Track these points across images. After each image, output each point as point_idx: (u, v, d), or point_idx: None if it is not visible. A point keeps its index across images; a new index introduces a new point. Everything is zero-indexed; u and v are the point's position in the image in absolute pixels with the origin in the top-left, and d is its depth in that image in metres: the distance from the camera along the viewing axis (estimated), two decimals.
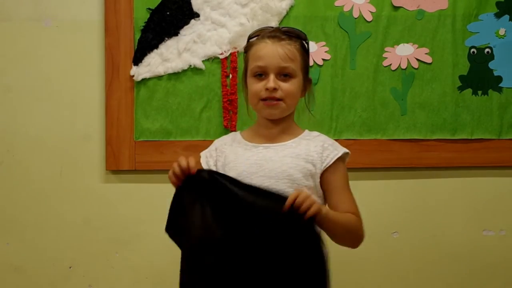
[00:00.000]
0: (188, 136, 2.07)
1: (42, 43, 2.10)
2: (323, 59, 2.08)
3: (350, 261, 2.11)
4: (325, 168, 1.48)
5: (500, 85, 2.10)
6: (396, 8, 2.09)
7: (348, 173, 2.08)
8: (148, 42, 2.07)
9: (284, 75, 1.47)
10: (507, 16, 2.09)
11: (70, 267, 2.11)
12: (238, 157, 1.50)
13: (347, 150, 1.53)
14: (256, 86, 1.47)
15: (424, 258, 2.12)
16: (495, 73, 2.10)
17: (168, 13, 2.07)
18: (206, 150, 1.59)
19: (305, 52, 1.53)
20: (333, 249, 2.10)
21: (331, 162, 1.49)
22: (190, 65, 2.07)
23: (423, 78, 2.09)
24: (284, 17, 2.07)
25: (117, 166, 2.08)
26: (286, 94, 1.47)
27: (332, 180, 1.50)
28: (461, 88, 2.09)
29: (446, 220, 2.12)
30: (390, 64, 2.09)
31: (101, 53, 2.09)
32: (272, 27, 1.55)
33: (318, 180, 1.49)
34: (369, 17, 2.08)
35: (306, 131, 1.56)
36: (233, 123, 2.07)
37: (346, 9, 2.08)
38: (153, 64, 2.07)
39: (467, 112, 2.09)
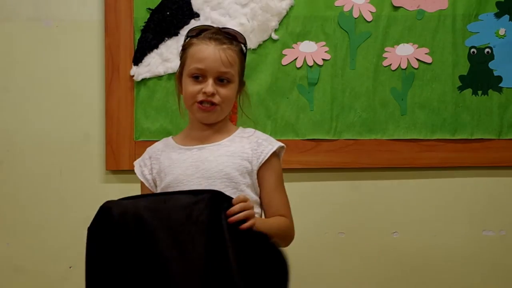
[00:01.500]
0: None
1: (42, 43, 2.10)
2: (323, 59, 2.08)
3: (350, 261, 2.11)
4: (260, 164, 1.46)
5: (500, 85, 2.10)
6: (396, 8, 2.09)
7: (348, 173, 2.10)
8: (148, 42, 2.07)
9: (221, 80, 1.45)
10: (507, 16, 2.09)
11: (70, 267, 2.11)
12: (173, 162, 1.48)
13: (282, 144, 1.50)
14: (193, 88, 1.45)
15: (424, 258, 2.11)
16: (495, 73, 2.10)
17: (168, 13, 2.07)
18: (140, 159, 1.57)
19: (243, 56, 1.51)
20: (333, 249, 2.11)
21: (266, 157, 1.46)
22: None
23: (423, 78, 2.09)
24: (284, 17, 2.07)
25: (117, 166, 2.08)
26: (223, 99, 1.45)
27: (266, 177, 1.47)
28: (461, 88, 2.09)
29: (446, 220, 2.12)
30: (390, 64, 2.09)
31: (101, 53, 2.09)
32: (213, 27, 1.51)
33: (255, 177, 1.47)
34: (369, 17, 2.08)
35: (240, 129, 1.54)
36: (233, 123, 2.07)
37: (346, 9, 2.08)
38: (153, 64, 2.07)
39: (467, 112, 2.09)
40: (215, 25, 1.59)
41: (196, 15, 2.08)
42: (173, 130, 2.06)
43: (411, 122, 2.09)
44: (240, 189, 1.43)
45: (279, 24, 2.07)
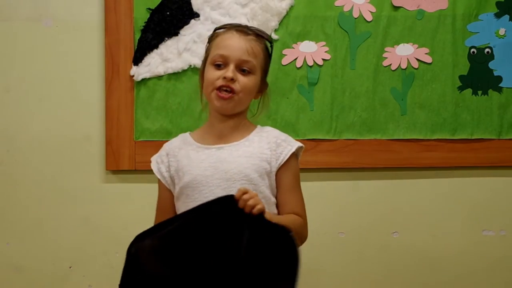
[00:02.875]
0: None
1: (42, 43, 2.10)
2: (323, 59, 2.08)
3: (350, 261, 2.11)
4: (279, 165, 1.46)
5: (500, 85, 2.10)
6: (396, 8, 2.09)
7: (348, 173, 2.10)
8: (148, 42, 2.07)
9: (243, 70, 1.45)
10: (507, 16, 2.09)
11: (70, 267, 2.11)
12: (191, 161, 1.46)
13: (301, 144, 1.50)
14: (214, 74, 1.45)
15: (424, 258, 2.12)
16: (495, 73, 2.10)
17: (168, 13, 2.07)
18: (157, 155, 1.55)
19: (268, 54, 1.51)
20: (333, 249, 2.11)
21: (285, 159, 1.46)
22: (190, 65, 2.07)
23: (423, 78, 2.09)
24: (284, 17, 2.07)
25: (117, 166, 2.08)
26: (242, 87, 1.44)
27: (283, 178, 1.47)
28: (461, 88, 2.09)
29: (446, 220, 2.12)
30: (390, 64, 2.09)
31: (101, 53, 2.09)
32: (241, 24, 1.53)
33: (274, 178, 1.46)
34: (369, 17, 2.08)
35: (259, 127, 1.53)
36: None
37: (346, 9, 2.08)
38: (153, 64, 2.07)
39: (467, 112, 2.09)
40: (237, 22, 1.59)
41: (196, 15, 2.08)
42: (173, 130, 2.06)
43: (411, 122, 2.09)
44: (260, 190, 1.42)
45: (279, 24, 2.07)
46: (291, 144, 1.48)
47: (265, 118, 2.06)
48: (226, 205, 1.29)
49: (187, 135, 1.55)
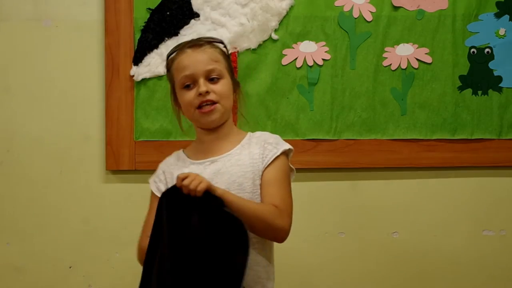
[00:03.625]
0: (188, 136, 2.06)
1: (42, 43, 2.10)
2: (323, 59, 2.08)
3: (350, 261, 2.11)
4: (264, 167, 1.44)
5: (500, 85, 2.10)
6: (396, 8, 2.09)
7: (348, 173, 2.10)
8: (148, 42, 2.07)
9: (212, 79, 1.45)
10: (507, 16, 2.09)
11: (70, 267, 2.11)
12: None
13: (288, 147, 1.48)
14: (188, 96, 1.45)
15: (424, 258, 2.11)
16: (495, 73, 2.10)
17: (168, 13, 2.07)
18: (154, 175, 1.56)
19: (226, 55, 1.52)
20: (333, 249, 2.11)
21: (270, 161, 1.44)
22: None
23: (423, 78, 2.09)
24: (284, 17, 2.07)
25: (117, 166, 2.08)
26: (220, 94, 1.45)
27: (266, 174, 1.44)
28: (461, 88, 2.09)
29: (446, 220, 2.12)
30: (390, 64, 2.09)
31: (101, 53, 2.09)
32: (189, 40, 1.54)
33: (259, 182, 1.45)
34: (369, 17, 2.08)
35: (249, 134, 1.53)
36: (233, 123, 2.07)
37: (346, 9, 2.08)
38: (153, 64, 2.07)
39: (467, 112, 2.09)
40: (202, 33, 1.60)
41: (196, 15, 2.08)
42: (173, 130, 2.06)
43: (411, 122, 2.09)
44: (255, 197, 1.42)
45: (279, 24, 2.07)
46: (277, 147, 1.46)
47: (265, 118, 2.07)
48: (173, 197, 1.33)
49: (180, 152, 1.56)
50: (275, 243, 1.48)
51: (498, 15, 2.09)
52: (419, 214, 2.12)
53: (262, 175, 1.45)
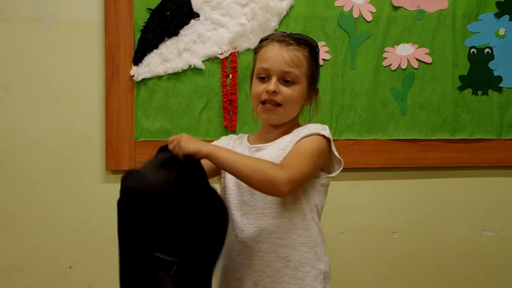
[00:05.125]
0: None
1: (42, 43, 2.10)
2: (323, 59, 2.08)
3: (350, 261, 2.11)
4: (292, 145, 1.41)
5: (500, 85, 2.10)
6: (396, 8, 2.09)
7: (348, 173, 2.10)
8: (148, 42, 2.07)
9: (286, 80, 1.45)
10: (507, 16, 2.09)
11: (70, 267, 2.11)
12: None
13: (324, 133, 1.42)
14: (258, 88, 1.46)
15: (424, 258, 2.12)
16: (495, 73, 2.10)
17: (168, 13, 2.07)
18: (227, 137, 1.57)
19: (313, 60, 1.50)
20: (333, 249, 2.11)
21: (298, 139, 1.41)
22: (190, 65, 2.07)
23: (423, 78, 2.09)
24: (284, 17, 2.07)
25: (117, 166, 2.08)
26: (286, 99, 1.44)
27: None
28: (461, 88, 2.09)
29: (446, 220, 2.12)
30: (390, 64, 2.09)
31: (101, 53, 2.09)
32: (284, 32, 1.52)
33: None
34: (369, 17, 2.08)
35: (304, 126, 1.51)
36: (233, 123, 2.07)
37: (346, 9, 2.08)
38: (153, 64, 2.07)
39: (467, 112, 2.09)
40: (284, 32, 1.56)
41: (196, 15, 2.08)
42: (173, 130, 2.06)
43: (411, 122, 2.09)
44: None
45: (279, 24, 2.07)
46: (308, 128, 1.44)
47: None
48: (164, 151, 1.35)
49: (245, 136, 1.56)
50: (320, 229, 1.50)
51: (498, 15, 2.09)
52: (419, 214, 2.12)
53: None
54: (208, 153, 1.29)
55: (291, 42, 1.46)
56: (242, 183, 1.37)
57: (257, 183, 1.31)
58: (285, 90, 1.44)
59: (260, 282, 1.39)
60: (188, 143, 1.29)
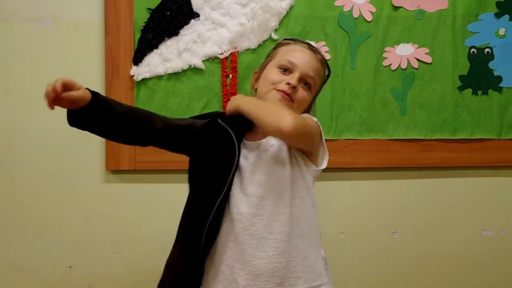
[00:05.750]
0: None
1: (42, 43, 2.10)
2: None
3: (350, 261, 2.11)
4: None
5: (500, 85, 2.10)
6: (396, 8, 2.09)
7: (348, 173, 2.10)
8: (148, 42, 2.07)
9: (305, 83, 1.49)
10: (507, 16, 2.09)
11: (70, 267, 2.11)
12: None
13: (315, 119, 1.50)
14: (278, 76, 1.48)
15: (424, 258, 2.12)
16: (495, 73, 2.10)
17: (168, 13, 2.07)
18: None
19: (324, 79, 1.57)
20: (333, 249, 2.11)
21: None
22: (190, 65, 2.07)
23: (423, 78, 2.09)
24: (284, 17, 2.07)
25: (117, 166, 2.08)
26: (300, 99, 1.48)
27: None
28: (461, 88, 2.09)
29: (446, 220, 2.12)
30: (390, 64, 2.09)
31: (101, 53, 2.09)
32: (311, 43, 1.57)
33: (299, 152, 1.47)
34: (369, 17, 2.08)
35: None
36: None
37: (346, 9, 2.08)
38: (153, 64, 2.07)
39: (467, 112, 2.09)
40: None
41: (196, 15, 2.08)
42: None
43: (411, 122, 2.09)
44: (294, 166, 1.45)
45: (279, 24, 2.07)
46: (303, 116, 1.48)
47: None
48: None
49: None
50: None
51: (498, 15, 2.09)
52: (419, 214, 2.12)
53: None
54: (236, 107, 1.45)
55: (319, 56, 1.53)
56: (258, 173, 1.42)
57: (266, 119, 1.38)
58: (302, 90, 1.49)
59: (276, 273, 1.38)
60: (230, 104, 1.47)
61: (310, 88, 1.50)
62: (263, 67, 1.55)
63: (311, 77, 1.49)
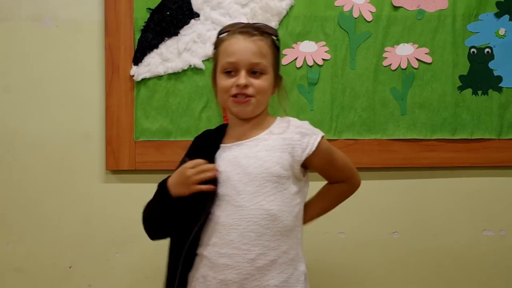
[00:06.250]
0: (188, 136, 2.06)
1: (42, 43, 2.10)
2: (323, 59, 2.08)
3: (350, 261, 2.11)
4: (307, 155, 1.45)
5: (500, 85, 2.10)
6: (396, 8, 2.09)
7: None
8: (148, 42, 2.07)
9: (255, 72, 1.45)
10: (507, 16, 2.09)
11: (70, 267, 2.11)
12: (212, 161, 1.48)
13: (323, 134, 1.50)
14: (226, 83, 1.45)
15: (424, 258, 2.12)
16: (495, 73, 2.10)
17: (168, 13, 2.07)
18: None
19: (276, 49, 1.51)
20: (333, 249, 2.11)
21: (314, 148, 1.45)
22: (190, 65, 2.07)
23: (423, 78, 2.09)
24: (284, 17, 2.07)
25: (117, 166, 2.08)
26: (258, 90, 1.44)
27: (317, 165, 1.50)
28: (461, 88, 2.09)
29: (446, 220, 2.12)
30: (390, 64, 2.09)
31: (101, 53, 2.09)
32: (243, 23, 1.51)
33: (298, 167, 1.45)
34: (369, 17, 2.08)
35: (278, 119, 1.53)
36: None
37: (346, 9, 2.08)
38: (153, 64, 2.07)
39: (467, 112, 2.09)
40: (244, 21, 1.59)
41: (196, 15, 2.08)
42: (173, 130, 2.07)
43: (411, 122, 2.09)
44: (281, 182, 1.42)
45: (279, 24, 2.07)
46: (315, 133, 1.48)
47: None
48: None
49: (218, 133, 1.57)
50: (301, 230, 1.54)
51: (498, 15, 2.09)
52: (419, 214, 2.12)
53: (309, 162, 1.47)
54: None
55: (254, 32, 1.46)
56: (235, 185, 1.43)
57: (344, 199, 1.66)
58: (255, 81, 1.44)
59: (248, 285, 1.39)
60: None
61: (263, 73, 1.45)
62: (214, 75, 1.52)
63: (257, 63, 1.44)
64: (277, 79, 1.53)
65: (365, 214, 2.12)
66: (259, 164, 1.42)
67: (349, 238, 2.12)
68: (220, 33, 1.52)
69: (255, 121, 1.49)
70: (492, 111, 2.09)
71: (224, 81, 1.45)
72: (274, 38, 1.51)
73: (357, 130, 2.09)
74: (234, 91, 1.44)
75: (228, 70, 1.45)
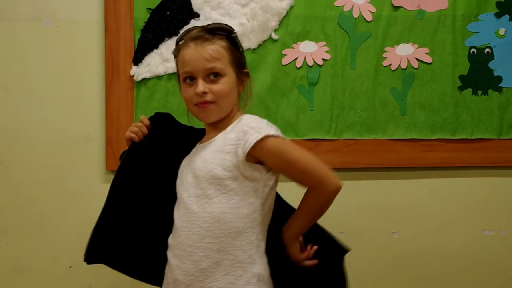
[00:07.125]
0: None
1: (42, 43, 2.10)
2: (323, 59, 2.08)
3: (350, 261, 2.11)
4: (244, 153, 1.38)
5: (500, 85, 2.10)
6: (396, 8, 2.09)
7: (348, 173, 2.10)
8: (148, 42, 2.07)
9: (213, 75, 1.44)
10: (507, 16, 2.09)
11: (70, 267, 2.11)
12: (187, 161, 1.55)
13: (271, 133, 1.39)
14: (187, 93, 1.47)
15: (424, 258, 2.12)
16: (495, 73, 2.10)
17: (168, 13, 2.07)
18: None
19: (233, 46, 1.49)
20: None
21: (249, 147, 1.37)
22: None
23: (423, 78, 2.09)
24: (284, 17, 2.07)
25: (117, 166, 2.07)
26: (218, 95, 1.44)
27: (268, 161, 1.41)
28: (461, 88, 2.09)
29: (446, 220, 2.12)
30: (390, 64, 2.09)
31: (101, 53, 2.09)
32: (197, 27, 1.50)
33: (245, 166, 1.39)
34: (369, 17, 2.08)
35: (239, 118, 1.48)
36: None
37: (346, 9, 2.08)
38: (153, 64, 2.07)
39: (467, 112, 2.09)
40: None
41: (196, 15, 2.08)
42: None
43: (411, 122, 2.09)
44: (224, 184, 1.40)
45: (279, 24, 2.07)
46: (258, 131, 1.38)
47: (265, 118, 2.05)
48: None
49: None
50: (260, 230, 1.46)
51: (498, 15, 2.09)
52: (419, 214, 2.12)
53: (256, 159, 1.40)
54: (289, 238, 1.59)
55: (206, 36, 1.45)
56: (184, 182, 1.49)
57: (327, 207, 1.53)
58: (213, 87, 1.44)
59: (193, 286, 1.40)
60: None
61: (221, 75, 1.44)
62: (178, 83, 1.53)
63: (211, 68, 1.43)
64: (242, 75, 1.51)
65: (365, 214, 2.12)
66: (204, 167, 1.42)
67: (349, 238, 2.11)
68: (177, 41, 1.52)
69: (222, 124, 1.49)
70: (492, 111, 2.09)
71: (185, 92, 1.48)
72: (230, 36, 1.49)
73: (357, 130, 2.09)
74: (195, 100, 1.45)
75: (187, 79, 1.47)
